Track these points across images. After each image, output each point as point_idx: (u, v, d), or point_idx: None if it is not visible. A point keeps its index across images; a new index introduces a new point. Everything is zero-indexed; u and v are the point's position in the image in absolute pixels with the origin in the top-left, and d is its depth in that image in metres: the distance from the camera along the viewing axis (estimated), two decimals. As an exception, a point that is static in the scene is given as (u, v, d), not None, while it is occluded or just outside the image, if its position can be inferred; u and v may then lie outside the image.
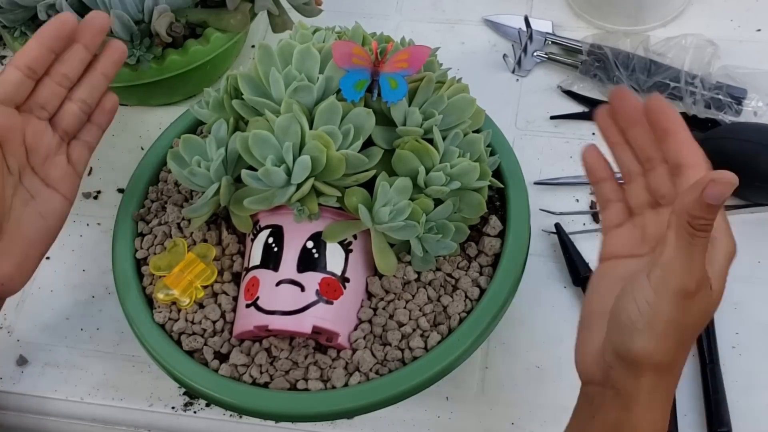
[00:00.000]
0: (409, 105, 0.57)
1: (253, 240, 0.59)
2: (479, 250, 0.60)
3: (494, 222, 0.60)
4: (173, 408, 0.67)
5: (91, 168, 0.82)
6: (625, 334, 0.47)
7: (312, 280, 0.56)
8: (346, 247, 0.57)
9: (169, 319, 0.59)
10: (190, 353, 0.58)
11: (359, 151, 0.55)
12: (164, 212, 0.64)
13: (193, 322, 0.59)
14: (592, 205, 0.73)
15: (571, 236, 0.70)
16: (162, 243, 0.62)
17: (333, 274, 0.56)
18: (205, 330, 0.58)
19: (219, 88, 0.61)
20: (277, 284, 0.56)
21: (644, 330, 0.46)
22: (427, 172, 0.56)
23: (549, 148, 0.77)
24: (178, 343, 0.58)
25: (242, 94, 0.58)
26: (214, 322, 0.58)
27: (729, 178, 0.43)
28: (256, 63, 0.57)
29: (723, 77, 0.74)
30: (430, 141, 0.56)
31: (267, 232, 0.58)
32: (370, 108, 0.56)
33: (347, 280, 0.57)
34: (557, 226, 0.71)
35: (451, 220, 0.57)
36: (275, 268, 0.56)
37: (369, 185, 0.56)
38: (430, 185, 0.56)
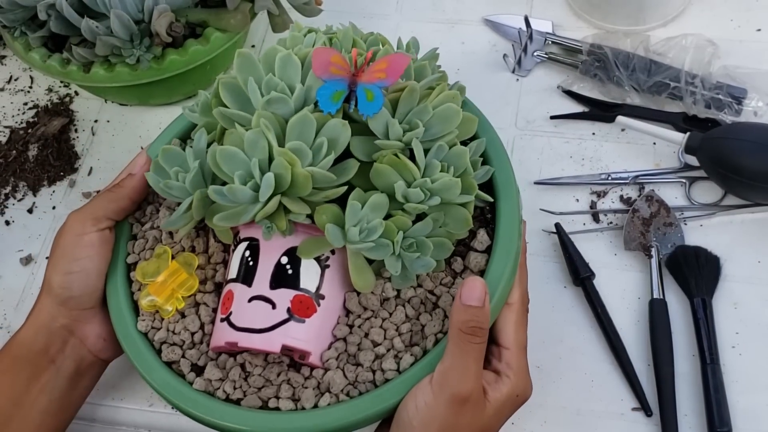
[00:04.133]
0: (393, 115, 0.55)
1: (233, 250, 0.58)
2: (465, 265, 0.58)
3: (482, 236, 0.58)
4: (173, 408, 0.67)
5: (91, 168, 0.83)
6: (401, 430, 0.52)
7: (284, 297, 0.54)
8: (322, 262, 0.55)
9: (152, 327, 0.58)
10: (169, 364, 0.57)
11: (335, 164, 0.53)
12: (158, 215, 0.63)
13: (173, 332, 0.58)
14: (592, 205, 0.73)
15: (571, 236, 0.70)
16: (152, 248, 0.61)
17: (306, 291, 0.55)
18: (184, 341, 0.57)
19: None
20: (249, 300, 0.55)
21: (418, 428, 0.51)
22: (409, 185, 0.54)
23: (549, 148, 0.77)
24: (160, 351, 0.57)
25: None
26: (192, 334, 0.58)
27: (476, 280, 0.51)
28: (235, 70, 0.56)
29: (723, 77, 0.74)
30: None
31: (245, 245, 0.56)
32: (350, 117, 0.54)
33: (322, 297, 0.55)
34: (557, 226, 0.71)
35: (435, 235, 0.55)
36: (249, 283, 0.55)
37: (346, 197, 0.54)
38: (409, 201, 0.54)
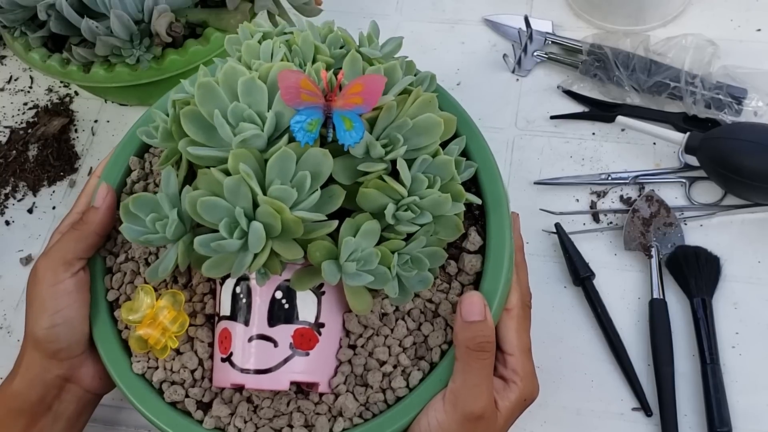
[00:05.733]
0: (371, 131, 0.52)
1: (221, 284, 0.56)
2: (459, 268, 0.56)
3: (473, 237, 0.56)
4: None
5: (91, 168, 0.83)
6: None
7: (284, 333, 0.52)
8: (317, 290, 0.53)
9: (149, 367, 0.57)
10: (173, 404, 0.56)
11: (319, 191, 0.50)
12: (130, 245, 0.60)
13: (172, 371, 0.56)
14: (592, 205, 0.73)
15: (571, 236, 0.70)
16: (131, 281, 0.59)
17: (306, 323, 0.53)
18: (184, 380, 0.56)
19: (167, 111, 0.56)
20: (250, 340, 0.53)
21: None
22: (397, 203, 0.51)
23: (549, 148, 0.77)
24: (161, 390, 0.56)
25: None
26: (192, 372, 0.56)
27: (473, 295, 0.51)
28: (197, 103, 0.52)
29: (723, 77, 0.74)
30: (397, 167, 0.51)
31: (233, 281, 0.54)
32: (327, 140, 0.51)
33: (322, 325, 0.53)
34: (557, 226, 0.71)
35: (428, 245, 0.53)
36: (246, 322, 0.53)
37: (338, 221, 0.52)
38: (400, 221, 0.52)
